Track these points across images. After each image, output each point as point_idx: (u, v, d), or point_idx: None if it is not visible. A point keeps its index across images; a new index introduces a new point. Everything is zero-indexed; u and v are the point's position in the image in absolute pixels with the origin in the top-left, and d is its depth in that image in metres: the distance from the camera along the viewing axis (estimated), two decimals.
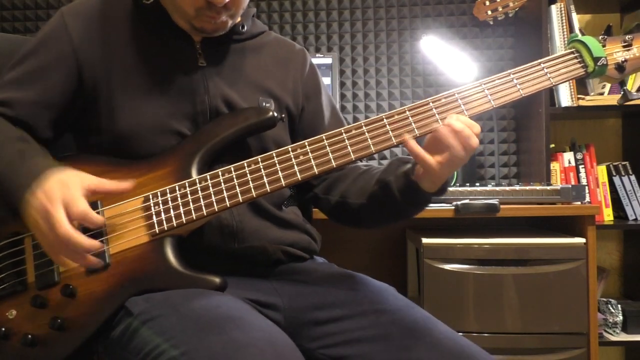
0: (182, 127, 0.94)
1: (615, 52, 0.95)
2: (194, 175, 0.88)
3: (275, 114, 0.94)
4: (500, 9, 1.62)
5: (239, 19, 1.00)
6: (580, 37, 0.95)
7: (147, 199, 0.87)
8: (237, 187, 0.86)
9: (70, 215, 0.79)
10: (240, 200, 0.85)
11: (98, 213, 0.87)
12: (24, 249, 0.88)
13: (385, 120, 0.87)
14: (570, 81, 1.93)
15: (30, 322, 0.85)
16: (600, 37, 0.95)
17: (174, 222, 0.85)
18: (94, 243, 0.80)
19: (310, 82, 1.11)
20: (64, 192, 0.80)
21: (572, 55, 0.94)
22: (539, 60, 0.92)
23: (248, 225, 0.94)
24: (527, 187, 1.60)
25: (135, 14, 0.98)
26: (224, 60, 1.00)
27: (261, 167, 0.86)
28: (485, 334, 1.52)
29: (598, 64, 0.93)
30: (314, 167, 0.86)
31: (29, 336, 0.83)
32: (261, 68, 1.04)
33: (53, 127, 0.96)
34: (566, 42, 1.93)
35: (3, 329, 0.85)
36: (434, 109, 0.87)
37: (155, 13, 0.97)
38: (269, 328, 0.75)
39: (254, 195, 0.85)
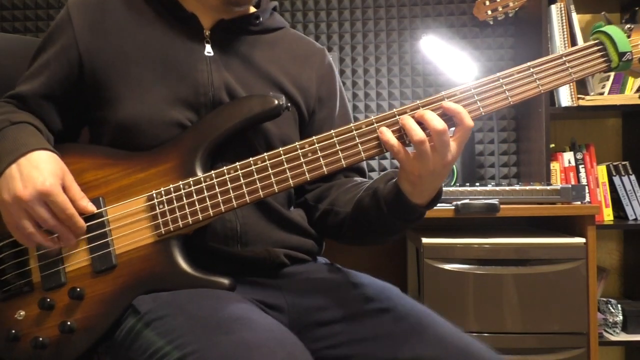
0: (184, 118, 0.91)
1: None
2: (198, 171, 0.86)
3: (282, 103, 0.89)
4: (500, 9, 1.62)
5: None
6: (605, 27, 0.86)
7: (150, 198, 0.85)
8: (244, 187, 0.83)
9: (65, 181, 0.84)
10: (248, 201, 0.83)
11: (102, 210, 0.87)
12: (28, 249, 0.87)
13: (398, 117, 0.82)
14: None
15: (40, 325, 0.84)
16: (626, 27, 0.87)
17: (180, 223, 0.84)
18: (86, 208, 0.85)
19: (326, 84, 1.06)
20: (61, 166, 0.85)
21: (596, 48, 0.86)
22: (561, 53, 0.85)
23: (252, 228, 0.92)
24: (527, 187, 1.60)
25: (142, 2, 0.96)
26: (234, 50, 0.96)
27: (268, 165, 0.83)
28: (485, 334, 1.52)
29: (623, 59, 0.85)
30: (323, 166, 0.83)
31: (40, 339, 0.82)
32: (274, 62, 1.00)
33: (61, 118, 0.96)
34: (565, 41, 1.95)
35: (13, 331, 0.84)
36: None
37: (164, 1, 0.95)
38: (277, 328, 0.75)
39: (262, 196, 0.83)
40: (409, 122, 0.79)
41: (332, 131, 0.83)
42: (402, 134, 0.81)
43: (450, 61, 2.13)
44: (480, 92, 0.82)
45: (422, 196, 0.85)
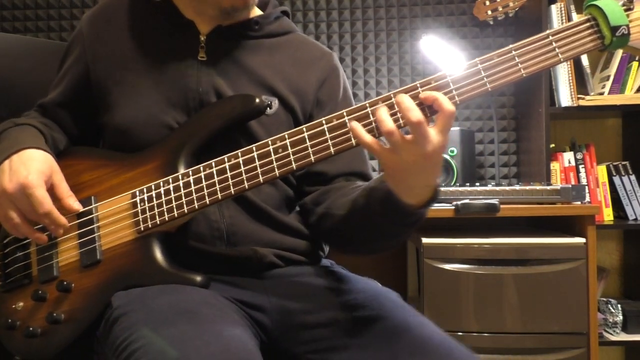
0: (174, 121, 0.93)
1: None
2: (181, 170, 0.88)
3: (265, 101, 0.90)
4: (501, 9, 1.62)
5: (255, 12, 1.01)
6: (597, 0, 0.76)
7: (134, 196, 0.89)
8: (216, 184, 0.84)
9: (54, 180, 0.88)
10: (220, 198, 0.84)
11: (92, 208, 0.91)
12: (30, 243, 0.93)
13: (369, 109, 0.77)
14: (570, 80, 1.97)
15: (32, 315, 0.89)
16: None
17: (157, 220, 0.86)
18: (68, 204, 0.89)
19: (327, 87, 1.03)
20: (51, 165, 0.89)
21: (586, 25, 0.76)
22: (547, 32, 0.77)
23: (240, 228, 0.92)
24: (527, 187, 1.61)
25: (144, 12, 0.99)
26: (228, 55, 0.97)
27: (241, 162, 0.83)
28: (485, 334, 1.52)
29: (617, 34, 0.75)
30: (292, 162, 0.81)
31: (30, 329, 0.87)
32: (271, 66, 0.99)
33: (76, 124, 1.03)
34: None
35: (10, 320, 0.89)
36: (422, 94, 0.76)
37: (164, 9, 0.98)
38: (221, 322, 0.75)
39: (232, 193, 0.83)
40: (380, 113, 0.74)
41: (303, 126, 0.81)
42: (374, 127, 0.76)
43: (451, 61, 2.13)
44: (456, 79, 0.76)
45: (411, 194, 0.78)
